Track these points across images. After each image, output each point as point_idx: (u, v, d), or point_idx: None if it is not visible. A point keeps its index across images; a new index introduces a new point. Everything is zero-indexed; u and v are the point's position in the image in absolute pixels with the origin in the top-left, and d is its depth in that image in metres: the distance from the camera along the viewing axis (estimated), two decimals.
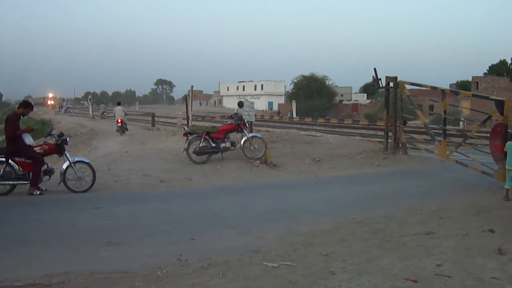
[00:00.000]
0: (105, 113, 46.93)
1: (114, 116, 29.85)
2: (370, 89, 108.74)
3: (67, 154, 11.93)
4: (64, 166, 11.68)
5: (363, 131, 32.78)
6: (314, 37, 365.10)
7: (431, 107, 47.95)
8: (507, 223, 8.40)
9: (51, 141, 12.23)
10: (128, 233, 8.02)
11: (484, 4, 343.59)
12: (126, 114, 30.06)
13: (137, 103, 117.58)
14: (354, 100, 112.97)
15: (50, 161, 12.78)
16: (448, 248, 6.98)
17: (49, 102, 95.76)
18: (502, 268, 6.03)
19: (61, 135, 12.17)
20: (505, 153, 11.04)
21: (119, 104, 31.86)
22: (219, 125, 18.34)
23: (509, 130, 11.88)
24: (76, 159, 12.06)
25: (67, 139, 12.29)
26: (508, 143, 10.97)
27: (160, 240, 7.61)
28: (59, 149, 11.91)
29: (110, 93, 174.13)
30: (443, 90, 14.81)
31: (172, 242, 7.47)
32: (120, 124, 28.43)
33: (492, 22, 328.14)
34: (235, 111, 21.73)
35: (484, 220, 8.59)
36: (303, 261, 6.47)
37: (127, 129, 29.07)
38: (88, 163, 12.10)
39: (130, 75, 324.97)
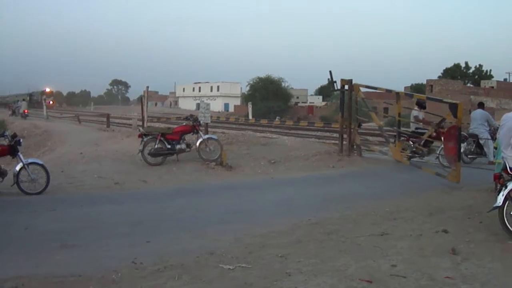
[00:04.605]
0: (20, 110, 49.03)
1: (20, 107, 46.93)
2: (325, 91, 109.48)
3: (21, 156, 11.73)
4: (18, 168, 11.46)
5: (319, 133, 32.96)
6: (270, 39, 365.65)
7: (386, 110, 48.55)
8: (460, 223, 8.57)
9: (4, 142, 12.02)
10: (82, 235, 7.95)
11: (439, 8, 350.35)
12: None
13: (92, 103, 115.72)
14: (310, 102, 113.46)
15: (3, 162, 12.52)
16: (403, 248, 7.09)
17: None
18: (456, 268, 6.16)
19: (14, 136, 11.98)
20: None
21: (24, 100, 53.18)
22: (175, 126, 18.24)
23: (462, 133, 12.09)
24: (29, 161, 11.88)
25: (21, 140, 12.10)
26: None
27: (115, 243, 7.55)
28: (12, 150, 11.72)
29: (64, 94, 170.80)
30: (397, 93, 15.04)
31: (127, 245, 7.43)
32: (26, 114, 44.43)
33: (447, 26, 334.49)
34: (415, 114, 17.22)
35: (437, 221, 8.74)
36: (259, 262, 6.50)
37: (27, 115, 44.40)
38: (42, 165, 11.89)
39: (85, 75, 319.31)
